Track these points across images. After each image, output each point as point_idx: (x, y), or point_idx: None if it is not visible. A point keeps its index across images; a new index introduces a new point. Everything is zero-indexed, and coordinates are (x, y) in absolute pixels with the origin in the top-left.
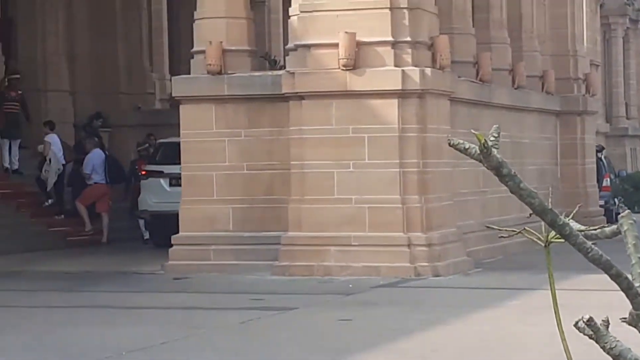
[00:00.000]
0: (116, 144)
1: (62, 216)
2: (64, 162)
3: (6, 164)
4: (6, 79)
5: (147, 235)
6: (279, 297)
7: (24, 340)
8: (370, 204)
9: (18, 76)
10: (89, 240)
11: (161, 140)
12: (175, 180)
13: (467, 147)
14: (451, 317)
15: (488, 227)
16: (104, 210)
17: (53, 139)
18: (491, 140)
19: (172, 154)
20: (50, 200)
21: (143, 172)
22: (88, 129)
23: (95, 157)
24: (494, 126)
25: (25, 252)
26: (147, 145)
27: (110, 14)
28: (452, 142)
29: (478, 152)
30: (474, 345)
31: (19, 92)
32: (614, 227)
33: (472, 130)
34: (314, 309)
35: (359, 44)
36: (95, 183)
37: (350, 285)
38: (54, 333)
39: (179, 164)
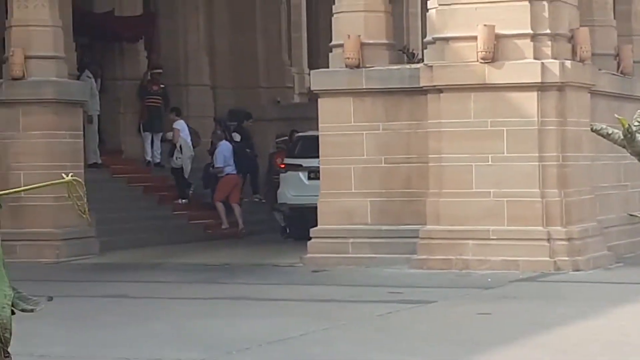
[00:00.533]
0: (255, 137)
1: (186, 200)
2: (192, 148)
3: (148, 157)
4: (149, 73)
5: (284, 226)
6: (417, 291)
7: (165, 331)
8: (509, 197)
9: (160, 71)
10: (229, 233)
11: (299, 134)
12: (314, 174)
13: (609, 132)
14: (592, 312)
15: (631, 215)
16: (235, 202)
17: (181, 125)
18: (635, 126)
19: (311, 147)
20: (184, 200)
21: (281, 165)
22: (224, 124)
23: (224, 149)
24: (638, 111)
25: (166, 244)
26: (285, 137)
27: (250, 9)
28: (594, 128)
29: (621, 137)
30: (615, 340)
31: (161, 85)
32: None
33: (617, 115)
34: (453, 303)
35: (498, 37)
36: (226, 174)
37: (489, 279)
38: (193, 324)
39: (318, 157)
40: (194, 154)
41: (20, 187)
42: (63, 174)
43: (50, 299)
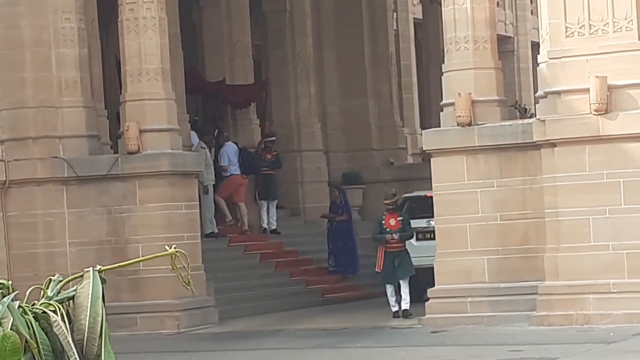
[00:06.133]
0: (370, 200)
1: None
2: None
3: (264, 225)
4: (263, 142)
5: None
6: (538, 348)
7: None
8: (628, 249)
9: (274, 139)
10: (346, 296)
11: (406, 195)
12: (422, 235)
13: None
14: None
15: None
16: (240, 200)
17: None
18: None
19: (418, 207)
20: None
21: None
22: (340, 188)
23: (229, 150)
24: None
25: (285, 310)
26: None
27: (360, 73)
28: None
29: None
30: None
31: (274, 152)
32: None
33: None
34: (575, 359)
35: (611, 88)
36: (231, 175)
37: (611, 334)
38: None
39: (425, 217)
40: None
41: (138, 259)
42: (166, 246)
43: None
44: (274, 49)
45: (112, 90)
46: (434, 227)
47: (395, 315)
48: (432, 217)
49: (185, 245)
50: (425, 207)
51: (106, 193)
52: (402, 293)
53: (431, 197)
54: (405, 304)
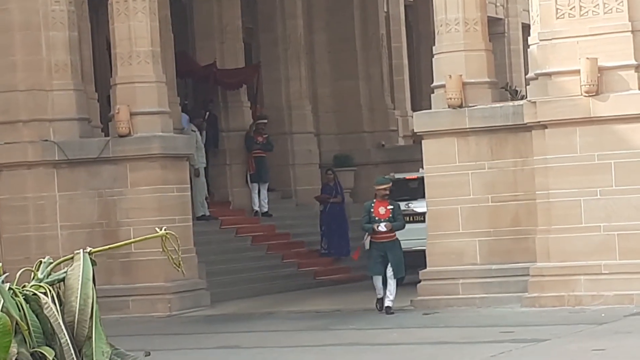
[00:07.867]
0: (361, 182)
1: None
2: None
3: (256, 207)
4: (254, 125)
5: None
6: (530, 329)
7: None
8: (619, 230)
9: (265, 121)
10: (338, 279)
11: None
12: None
13: None
14: None
15: None
16: None
17: None
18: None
19: (397, 190)
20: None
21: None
22: (333, 171)
23: (183, 119)
24: None
25: (277, 293)
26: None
27: (351, 55)
28: None
29: None
30: None
31: (265, 135)
32: None
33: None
34: (566, 340)
35: (601, 69)
36: None
37: (603, 315)
38: None
39: (407, 200)
40: None
41: (128, 241)
42: (156, 228)
43: (148, 354)
44: (264, 31)
45: (103, 73)
46: (413, 209)
47: (378, 304)
48: (412, 199)
49: (177, 228)
50: (404, 190)
51: (97, 176)
52: (388, 289)
53: (411, 180)
54: (389, 302)
